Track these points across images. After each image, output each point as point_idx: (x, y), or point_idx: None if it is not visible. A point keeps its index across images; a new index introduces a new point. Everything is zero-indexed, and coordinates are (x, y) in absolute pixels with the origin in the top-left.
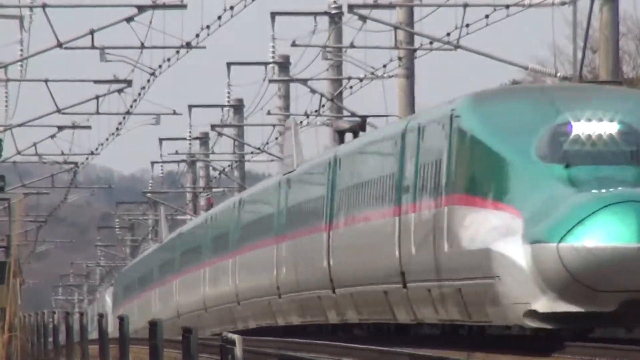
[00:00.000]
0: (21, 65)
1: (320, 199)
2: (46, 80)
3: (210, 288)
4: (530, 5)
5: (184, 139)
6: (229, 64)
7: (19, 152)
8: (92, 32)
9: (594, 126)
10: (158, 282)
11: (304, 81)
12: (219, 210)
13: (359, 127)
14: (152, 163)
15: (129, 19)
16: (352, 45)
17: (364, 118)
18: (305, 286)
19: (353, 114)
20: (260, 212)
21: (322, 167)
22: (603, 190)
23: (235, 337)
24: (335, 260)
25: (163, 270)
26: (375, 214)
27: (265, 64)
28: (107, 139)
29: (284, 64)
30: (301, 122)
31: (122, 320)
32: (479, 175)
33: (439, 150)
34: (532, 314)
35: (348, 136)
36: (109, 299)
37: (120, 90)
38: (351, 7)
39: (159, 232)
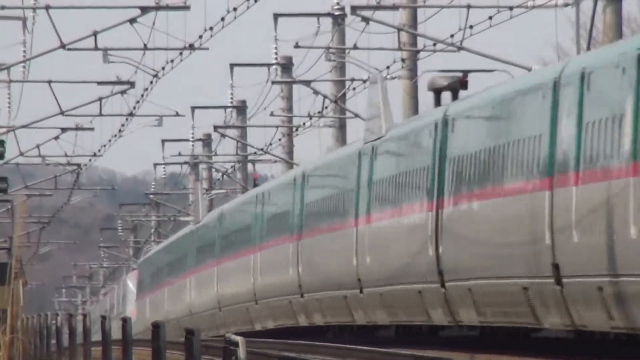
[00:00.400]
0: (24, 67)
1: (423, 171)
2: (49, 82)
3: (262, 276)
4: (533, 7)
5: (187, 140)
6: (232, 66)
7: (22, 154)
8: (95, 34)
9: None
10: (195, 268)
11: (307, 82)
12: (275, 186)
13: (459, 84)
14: (155, 165)
15: (132, 20)
16: (355, 47)
17: (465, 73)
18: (400, 278)
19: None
20: (332, 188)
21: (425, 131)
22: None
23: (239, 338)
24: (446, 247)
25: (201, 255)
26: (511, 187)
27: (268, 65)
28: (110, 141)
29: (287, 66)
30: (304, 123)
31: (125, 322)
32: None
33: (619, 102)
34: None
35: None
36: (132, 286)
37: (123, 92)
38: (354, 9)
39: (194, 210)
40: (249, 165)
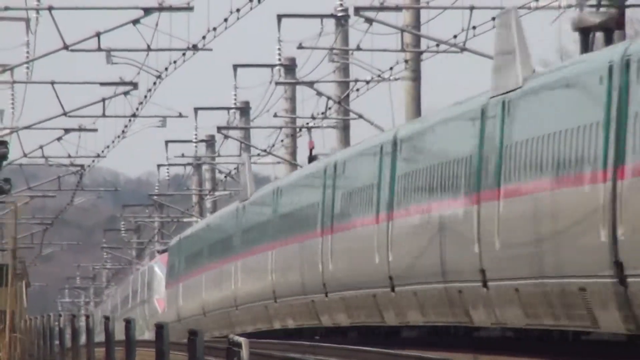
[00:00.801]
0: (27, 68)
1: (589, 130)
2: (52, 83)
3: (333, 262)
4: (537, 8)
5: (190, 141)
6: (235, 67)
7: (25, 155)
8: (98, 34)
9: None
10: (243, 252)
11: (310, 84)
12: (352, 154)
13: (615, 22)
14: (158, 166)
15: (135, 21)
16: (358, 48)
17: (621, 9)
18: (564, 270)
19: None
20: (439, 155)
21: (590, 77)
22: None
23: (242, 339)
24: (630, 229)
25: (250, 237)
26: None
27: (272, 66)
28: (113, 142)
29: (290, 67)
30: (307, 124)
31: (128, 324)
32: None
33: None
34: None
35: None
36: (160, 271)
37: (126, 93)
38: (357, 10)
39: (242, 185)
40: (304, 133)
